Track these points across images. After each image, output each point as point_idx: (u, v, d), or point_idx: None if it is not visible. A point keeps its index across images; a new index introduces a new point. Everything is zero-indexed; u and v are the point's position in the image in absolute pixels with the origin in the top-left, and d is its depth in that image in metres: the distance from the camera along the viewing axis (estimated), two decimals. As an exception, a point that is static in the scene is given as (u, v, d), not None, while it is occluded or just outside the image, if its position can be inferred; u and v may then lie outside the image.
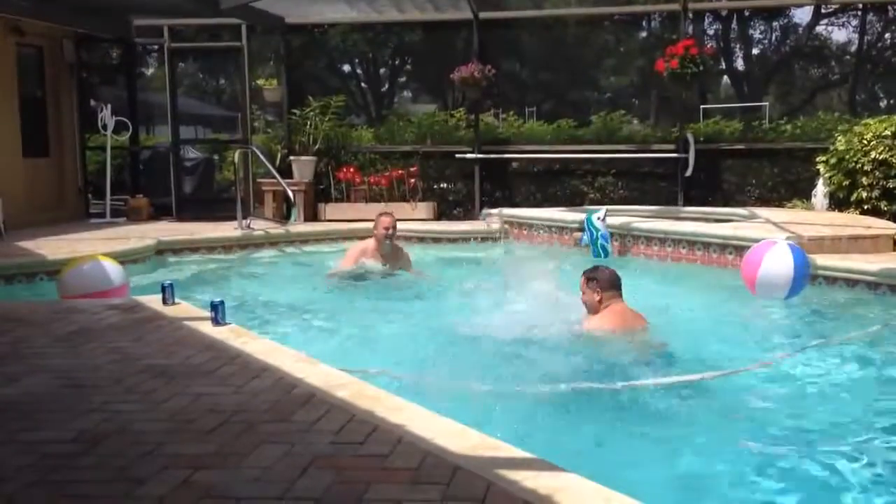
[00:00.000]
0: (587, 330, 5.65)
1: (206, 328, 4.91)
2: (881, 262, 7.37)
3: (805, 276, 6.88)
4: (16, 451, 3.05)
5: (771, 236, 7.94)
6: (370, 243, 8.15)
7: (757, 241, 8.08)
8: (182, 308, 5.56)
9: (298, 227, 11.12)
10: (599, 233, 9.10)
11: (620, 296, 5.68)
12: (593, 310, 5.68)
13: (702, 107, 14.51)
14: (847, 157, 9.88)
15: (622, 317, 5.56)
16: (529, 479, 2.68)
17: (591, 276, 5.70)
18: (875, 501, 3.40)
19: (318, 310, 6.95)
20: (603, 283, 5.62)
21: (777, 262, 6.88)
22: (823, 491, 3.49)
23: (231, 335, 4.75)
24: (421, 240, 10.83)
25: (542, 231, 10.49)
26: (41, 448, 3.06)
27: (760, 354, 5.41)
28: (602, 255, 9.04)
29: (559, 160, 12.45)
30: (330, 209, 12.09)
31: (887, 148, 9.49)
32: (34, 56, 12.21)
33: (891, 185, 9.41)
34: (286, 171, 12.10)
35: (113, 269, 6.78)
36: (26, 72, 12.02)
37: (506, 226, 10.95)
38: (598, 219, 9.14)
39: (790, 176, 11.66)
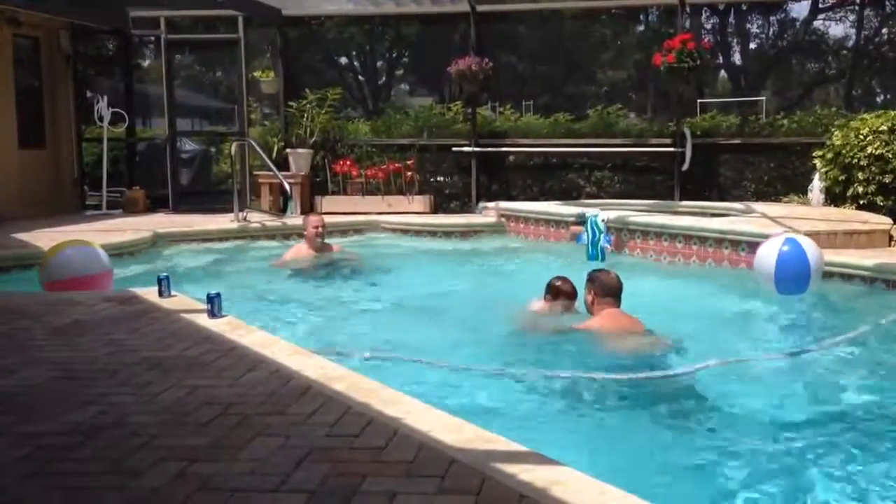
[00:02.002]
0: (580, 327, 5.65)
1: (203, 320, 4.90)
2: (877, 258, 7.38)
3: (793, 275, 6.68)
4: (11, 443, 3.05)
5: (769, 231, 7.97)
6: (302, 244, 8.73)
7: (753, 235, 8.13)
8: (178, 300, 5.55)
9: (295, 219, 11.11)
10: (602, 235, 9.06)
11: (616, 304, 5.57)
12: (588, 310, 5.68)
13: (699, 101, 14.50)
14: (843, 152, 9.89)
15: (615, 319, 5.52)
16: (525, 473, 2.68)
17: (590, 277, 5.65)
18: (864, 498, 3.42)
19: (278, 301, 7.17)
20: (598, 288, 5.56)
21: (765, 253, 6.89)
22: (815, 487, 3.50)
23: (227, 327, 4.75)
24: (417, 233, 10.84)
25: (538, 224, 10.50)
26: (36, 440, 3.06)
27: (753, 350, 5.42)
28: (600, 257, 9.02)
29: (556, 154, 12.45)
30: (326, 202, 12.09)
31: (883, 143, 9.50)
32: (30, 47, 12.18)
33: (887, 180, 9.42)
34: (283, 164, 12.10)
35: (97, 254, 6.77)
36: (22, 63, 11.99)
37: (502, 219, 10.95)
38: (603, 221, 9.10)
39: (787, 171, 11.67)
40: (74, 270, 6.48)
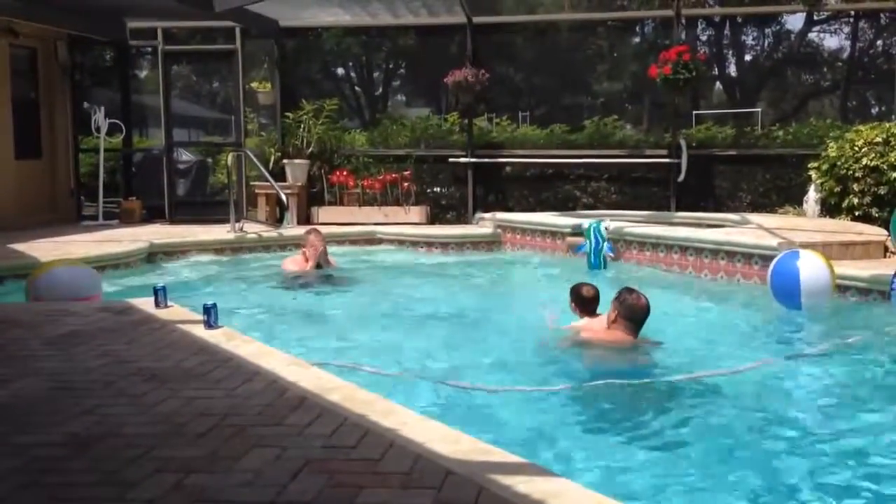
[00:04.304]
0: (583, 337, 5.64)
1: (199, 331, 4.90)
2: (872, 269, 7.40)
3: (785, 289, 6.75)
4: (6, 453, 3.04)
5: (765, 242, 8.01)
6: (299, 256, 8.75)
7: (749, 246, 8.16)
8: (174, 311, 5.55)
9: (291, 230, 11.11)
10: (605, 243, 9.07)
11: (635, 329, 5.43)
12: (608, 324, 5.58)
13: (694, 112, 14.55)
14: (839, 163, 9.93)
15: (619, 339, 5.48)
16: (522, 484, 2.68)
17: (620, 296, 5.51)
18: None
19: (283, 312, 7.18)
20: (622, 309, 5.42)
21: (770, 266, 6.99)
22: (807, 494, 3.51)
23: (223, 338, 4.74)
24: (414, 244, 10.85)
25: (534, 235, 10.51)
26: (32, 451, 3.05)
27: (747, 360, 5.41)
28: (602, 266, 9.03)
29: (552, 165, 12.46)
30: (323, 213, 12.09)
31: (878, 155, 9.54)
32: (27, 58, 12.19)
33: (882, 191, 9.45)
34: (279, 175, 12.10)
35: (87, 275, 6.72)
36: (19, 73, 11.99)
37: (498, 230, 10.96)
38: (606, 228, 9.12)
39: (782, 182, 11.70)
40: (62, 293, 6.37)
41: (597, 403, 4.61)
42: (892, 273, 6.61)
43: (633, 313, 5.40)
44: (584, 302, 6.01)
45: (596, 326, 5.76)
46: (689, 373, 5.02)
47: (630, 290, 5.51)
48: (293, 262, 8.72)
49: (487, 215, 11.46)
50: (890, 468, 3.80)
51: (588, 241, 9.17)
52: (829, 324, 6.67)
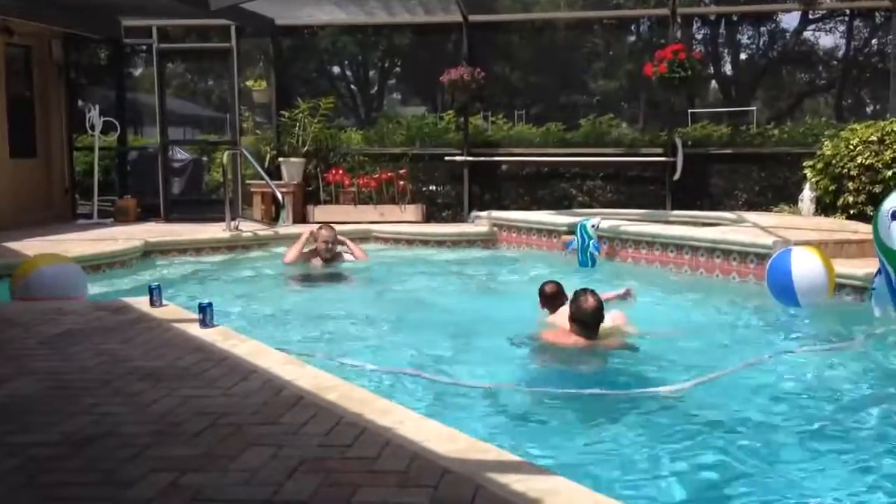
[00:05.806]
0: (540, 341, 5.65)
1: (195, 330, 4.90)
2: (867, 268, 7.40)
3: (780, 285, 6.81)
4: (2, 453, 3.03)
5: (761, 241, 8.02)
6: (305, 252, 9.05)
7: (745, 244, 8.18)
8: (170, 310, 5.55)
9: (287, 228, 11.09)
10: (591, 241, 9.08)
11: (585, 332, 5.40)
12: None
13: (690, 111, 14.54)
14: (834, 162, 9.94)
15: (572, 342, 5.47)
16: (518, 483, 2.68)
17: (574, 296, 5.53)
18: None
19: (290, 308, 7.22)
20: (573, 310, 5.45)
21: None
22: (799, 495, 3.52)
23: (219, 337, 4.74)
24: (410, 242, 10.85)
25: (530, 234, 10.52)
26: (28, 450, 3.05)
27: (740, 359, 5.41)
28: (589, 263, 9.05)
29: (548, 163, 12.47)
30: (319, 211, 12.07)
31: (873, 153, 9.55)
32: (22, 56, 12.17)
33: (877, 189, 9.46)
34: (275, 173, 12.09)
35: (73, 274, 6.71)
36: (14, 72, 11.97)
37: (494, 228, 10.97)
38: (593, 227, 9.13)
39: (777, 180, 11.72)
40: (47, 292, 6.35)
41: (593, 406, 4.61)
42: (875, 272, 6.62)
43: (582, 315, 5.40)
44: (545, 298, 6.19)
45: (559, 322, 5.79)
46: (681, 374, 5.00)
47: (582, 291, 5.51)
48: (296, 254, 9.07)
49: (483, 214, 11.47)
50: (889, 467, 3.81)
51: (576, 239, 9.19)
52: (824, 323, 6.68)
